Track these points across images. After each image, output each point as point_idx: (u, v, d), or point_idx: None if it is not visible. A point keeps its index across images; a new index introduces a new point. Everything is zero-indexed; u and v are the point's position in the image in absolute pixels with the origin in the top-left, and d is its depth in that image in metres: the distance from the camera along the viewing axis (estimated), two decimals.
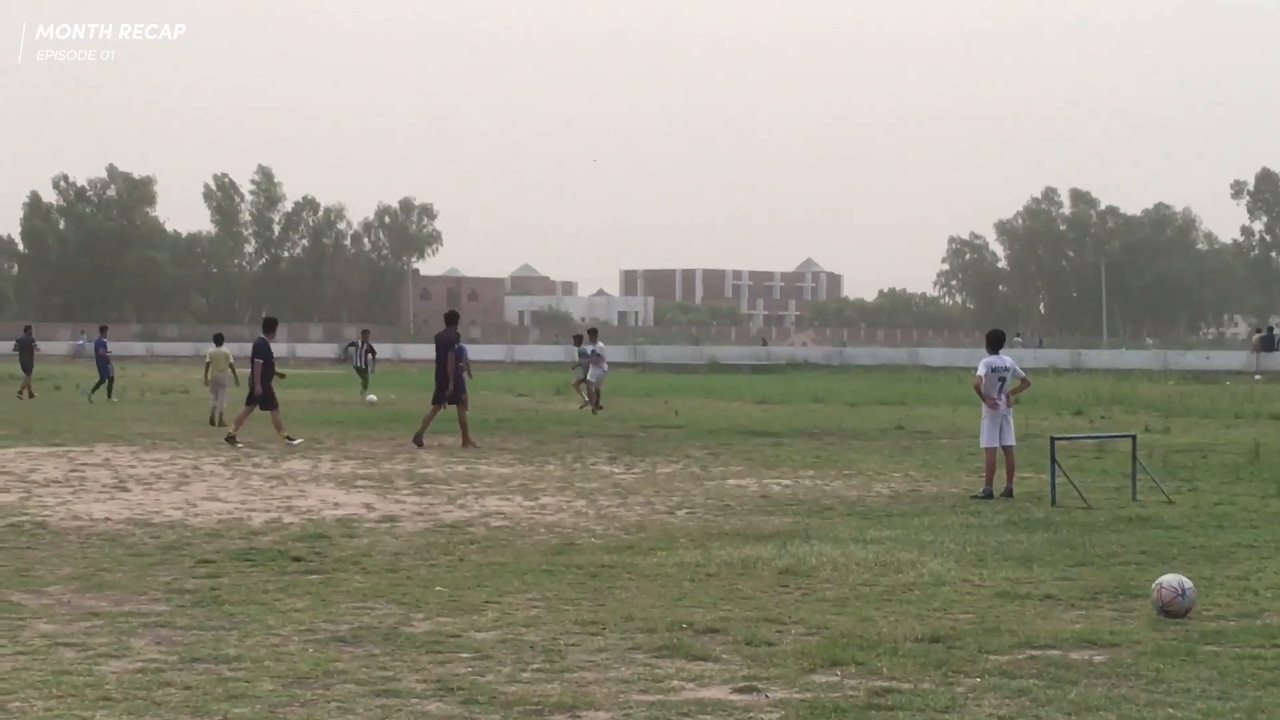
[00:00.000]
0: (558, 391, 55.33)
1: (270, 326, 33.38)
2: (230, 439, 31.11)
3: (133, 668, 10.73)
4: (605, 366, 46.75)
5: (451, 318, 33.12)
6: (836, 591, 13.94)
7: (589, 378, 45.83)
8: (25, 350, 53.61)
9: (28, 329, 58.09)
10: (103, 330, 55.57)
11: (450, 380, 31.59)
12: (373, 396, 48.87)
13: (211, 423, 37.38)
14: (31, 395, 51.07)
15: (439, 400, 31.90)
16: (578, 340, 51.14)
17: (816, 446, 31.50)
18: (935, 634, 11.83)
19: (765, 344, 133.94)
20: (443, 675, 10.54)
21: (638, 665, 10.89)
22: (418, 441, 31.07)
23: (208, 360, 39.33)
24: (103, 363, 51.53)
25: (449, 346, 31.86)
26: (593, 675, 10.58)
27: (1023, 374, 23.25)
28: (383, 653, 11.25)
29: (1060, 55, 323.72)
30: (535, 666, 10.83)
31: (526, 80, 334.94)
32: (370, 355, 53.53)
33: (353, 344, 59.71)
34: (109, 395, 50.08)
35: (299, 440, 30.89)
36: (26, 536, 17.62)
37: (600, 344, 47.28)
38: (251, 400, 31.93)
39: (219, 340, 40.29)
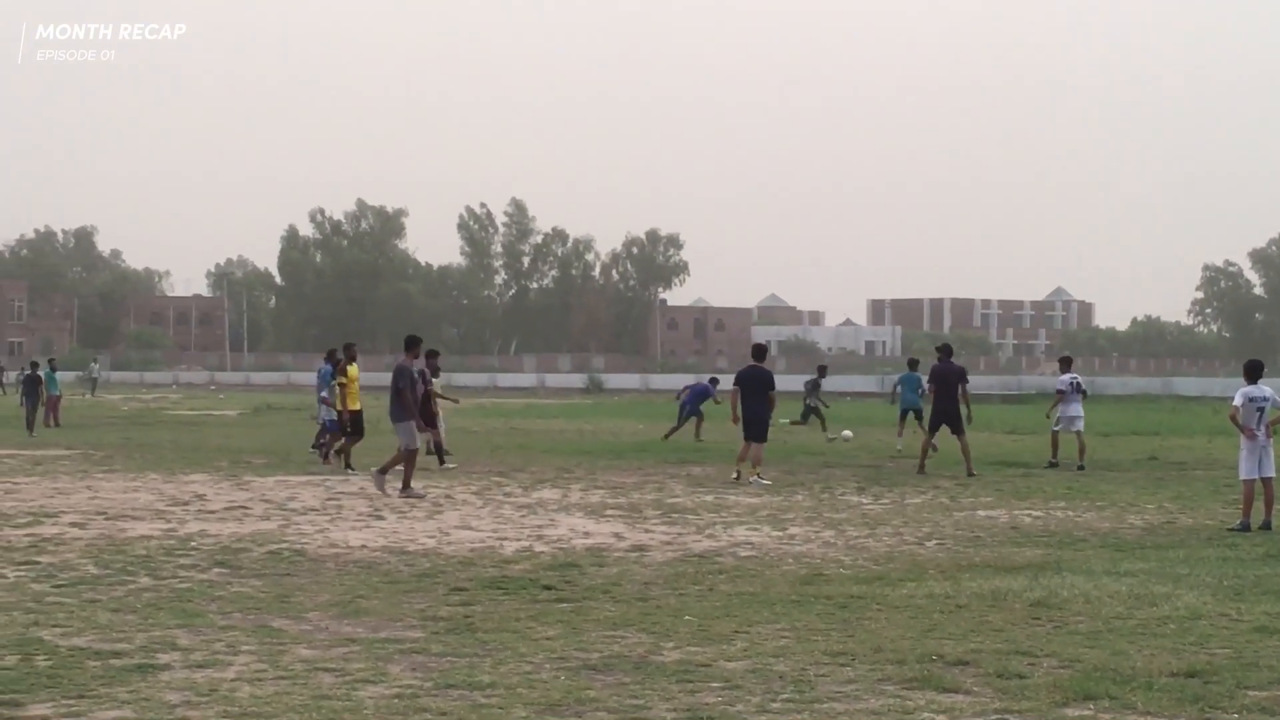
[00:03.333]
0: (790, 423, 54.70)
1: (760, 354, 31.77)
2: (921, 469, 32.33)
3: (389, 693, 10.91)
4: (1078, 408, 34.87)
5: (946, 350, 33.66)
6: (1089, 624, 13.75)
7: (1055, 427, 35.25)
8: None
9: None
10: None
11: (967, 409, 32.49)
12: (848, 433, 46.49)
13: (425, 452, 37.69)
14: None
15: (934, 428, 33.04)
16: (1065, 364, 36.65)
17: (1068, 477, 31.10)
18: (1191, 669, 11.62)
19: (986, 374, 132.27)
20: (693, 705, 10.58)
21: (888, 697, 10.84)
22: (921, 470, 32.27)
23: None
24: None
25: (960, 378, 32.43)
26: (842, 706, 10.56)
27: None
28: (633, 681, 11.31)
29: None
30: (785, 697, 10.83)
31: (772, 114, 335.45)
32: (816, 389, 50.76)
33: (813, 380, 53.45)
34: None
35: (768, 481, 29.63)
36: (286, 563, 17.99)
37: (1069, 374, 35.73)
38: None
39: (434, 372, 40.95)
